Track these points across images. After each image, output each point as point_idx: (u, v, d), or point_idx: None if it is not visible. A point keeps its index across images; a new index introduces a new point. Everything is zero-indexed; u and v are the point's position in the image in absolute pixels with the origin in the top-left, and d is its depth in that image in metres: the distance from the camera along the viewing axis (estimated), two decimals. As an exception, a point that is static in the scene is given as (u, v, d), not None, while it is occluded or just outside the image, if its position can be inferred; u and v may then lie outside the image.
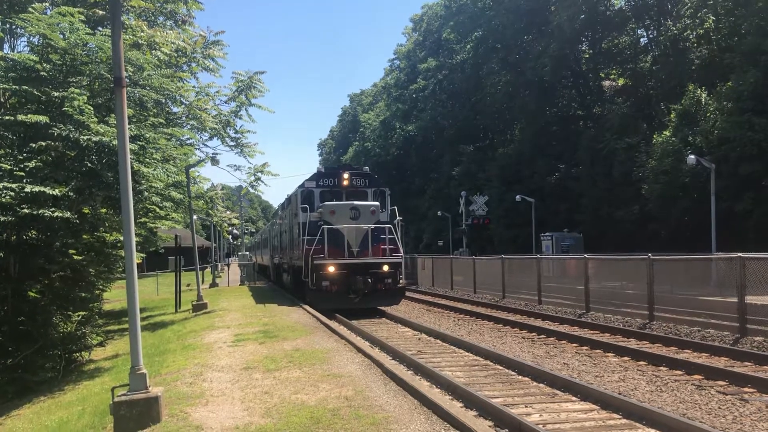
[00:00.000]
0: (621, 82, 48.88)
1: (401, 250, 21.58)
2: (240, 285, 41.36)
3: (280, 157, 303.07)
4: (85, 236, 17.30)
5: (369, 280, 20.00)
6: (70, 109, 14.59)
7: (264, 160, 26.08)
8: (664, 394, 9.27)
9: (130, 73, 16.00)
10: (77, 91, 14.70)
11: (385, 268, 20.47)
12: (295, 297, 23.68)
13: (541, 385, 9.86)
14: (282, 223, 29.18)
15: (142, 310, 26.10)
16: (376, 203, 21.61)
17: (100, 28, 17.35)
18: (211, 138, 23.47)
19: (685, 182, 31.20)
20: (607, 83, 50.84)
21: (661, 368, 11.17)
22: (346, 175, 22.26)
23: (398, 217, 22.35)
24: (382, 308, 21.08)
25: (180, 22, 21.73)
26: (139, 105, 17.06)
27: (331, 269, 19.91)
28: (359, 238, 20.40)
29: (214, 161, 25.12)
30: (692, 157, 27.51)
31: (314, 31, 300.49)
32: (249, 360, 11.59)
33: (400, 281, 21.13)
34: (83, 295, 17.99)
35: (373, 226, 20.66)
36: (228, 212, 32.26)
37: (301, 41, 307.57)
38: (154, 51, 17.85)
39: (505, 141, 59.54)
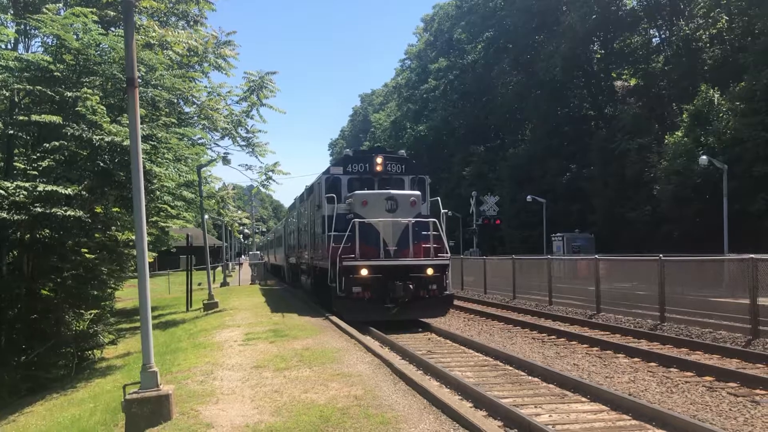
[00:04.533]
0: (633, 82, 48.62)
1: (448, 249, 18.09)
2: (251, 284, 41.54)
3: (291, 156, 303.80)
4: (97, 235, 17.44)
5: (410, 285, 16.67)
6: (83, 109, 14.73)
7: (275, 159, 26.45)
8: (674, 395, 9.23)
9: (143, 73, 16.13)
10: (90, 91, 14.84)
11: (429, 271, 17.03)
12: (317, 303, 20.96)
13: (551, 385, 9.84)
14: (300, 217, 25.80)
15: (153, 309, 26.23)
16: (417, 192, 18.12)
17: (112, 29, 17.51)
18: (222, 138, 23.60)
19: (698, 183, 31.01)
20: (618, 83, 50.59)
21: (672, 369, 11.12)
22: (379, 160, 18.92)
23: (443, 210, 18.81)
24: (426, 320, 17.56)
25: (192, 22, 21.88)
26: (152, 105, 17.19)
27: (364, 272, 16.52)
28: (397, 234, 17.10)
29: (226, 161, 25.28)
30: (704, 157, 27.39)
31: (325, 32, 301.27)
32: (259, 359, 11.64)
33: (447, 287, 17.63)
34: (95, 293, 18.16)
35: (413, 220, 17.31)
36: (239, 212, 32.43)
37: (312, 41, 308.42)
38: (165, 51, 17.99)
39: (516, 141, 59.35)
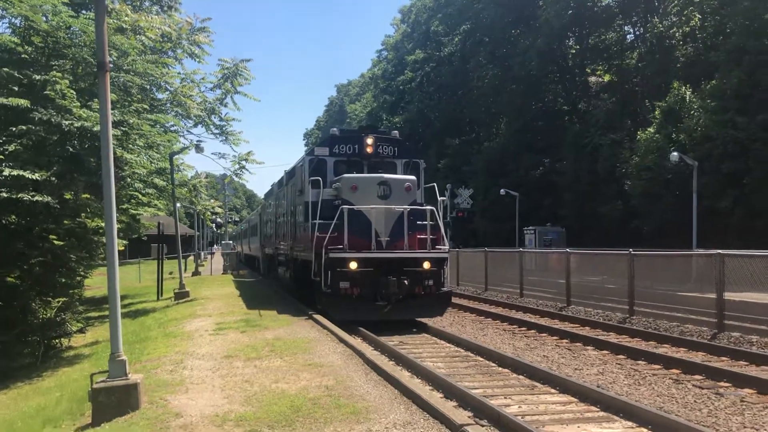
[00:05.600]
0: (607, 78, 49.07)
1: (446, 241, 16.54)
2: (223, 274, 41.27)
3: (265, 145, 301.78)
4: (66, 222, 17.14)
5: (405, 281, 14.88)
6: (52, 93, 14.45)
7: (249, 148, 25.98)
8: (642, 387, 9.37)
9: (114, 58, 15.86)
10: (59, 74, 14.56)
11: (426, 265, 15.32)
12: (297, 299, 19.31)
13: (520, 377, 9.93)
14: (279, 204, 23.76)
15: (123, 298, 25.96)
16: (413, 177, 16.38)
17: (83, 12, 17.17)
18: (195, 125, 23.27)
19: (668, 179, 31.48)
20: (593, 79, 51.03)
21: (640, 362, 11.28)
22: (369, 141, 17.05)
23: (440, 198, 16.78)
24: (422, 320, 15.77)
25: (166, 8, 21.56)
26: (123, 90, 16.92)
27: (353, 266, 14.71)
28: (390, 223, 15.35)
29: (199, 149, 25.00)
30: (675, 154, 27.81)
31: (302, 20, 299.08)
32: (230, 348, 11.57)
33: (445, 283, 16.08)
34: (63, 281, 17.84)
35: (409, 207, 15.53)
36: (212, 200, 32.08)
37: (288, 30, 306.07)
38: (138, 36, 17.69)
39: (491, 135, 59.61)
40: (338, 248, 14.79)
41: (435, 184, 17.62)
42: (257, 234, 35.17)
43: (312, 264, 15.55)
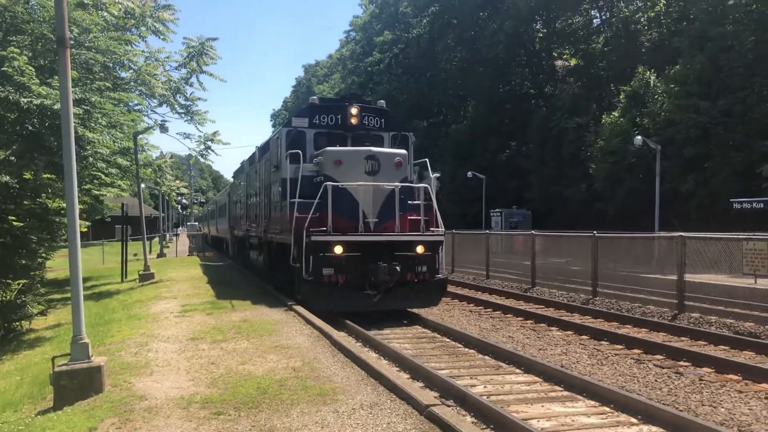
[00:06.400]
0: (573, 62, 49.51)
1: (441, 222, 14.72)
2: (189, 256, 40.85)
3: (232, 125, 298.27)
4: (26, 202, 16.76)
5: (396, 267, 13.44)
6: (9, 69, 14.03)
7: (215, 128, 25.57)
8: (604, 367, 9.55)
9: (76, 34, 15.45)
10: (17, 51, 14.13)
11: (419, 249, 13.88)
12: (272, 287, 17.61)
13: (486, 357, 10.04)
14: (250, 182, 21.87)
15: (87, 279, 25.55)
16: (403, 151, 14.92)
17: (43, -14, 16.65)
18: (160, 105, 22.86)
19: (632, 162, 31.99)
20: (559, 63, 51.45)
21: (603, 342, 11.49)
22: (354, 111, 15.36)
23: (432, 174, 15.43)
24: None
25: (129, -17, 21.03)
26: (85, 68, 16.52)
27: (338, 250, 13.24)
28: (379, 202, 13.78)
29: (163, 128, 24.62)
30: (639, 138, 28.24)
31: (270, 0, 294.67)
32: (196, 330, 11.47)
33: (440, 270, 14.58)
34: (24, 262, 17.48)
35: (400, 185, 13.97)
36: (177, 181, 31.62)
37: (256, 8, 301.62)
38: (100, 12, 17.25)
39: (458, 117, 59.78)
40: (321, 230, 13.28)
41: (427, 159, 16.05)
42: (225, 215, 33.40)
43: (290, 248, 13.85)
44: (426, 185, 14.68)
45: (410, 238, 13.91)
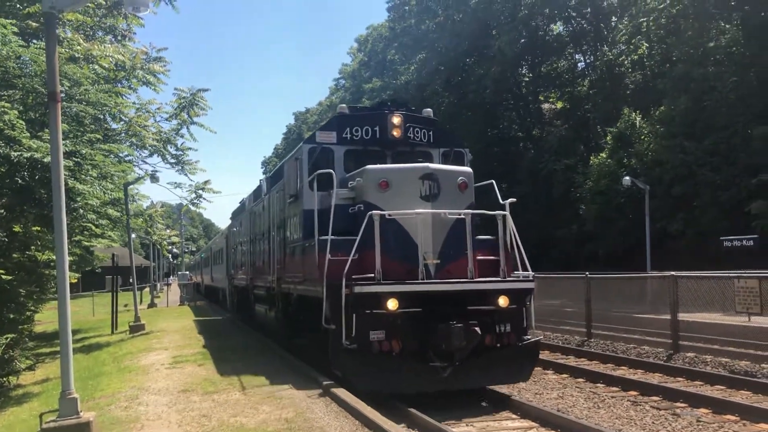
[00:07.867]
0: (560, 105, 50.22)
1: (527, 263, 10.82)
2: (180, 305, 40.48)
3: (222, 174, 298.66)
4: (15, 255, 16.63)
5: (475, 328, 9.69)
6: (0, 123, 14.08)
7: (206, 177, 25.46)
8: (601, 410, 9.45)
9: (67, 88, 15.56)
10: (8, 105, 14.21)
11: (502, 301, 10.13)
12: (292, 354, 13.76)
13: (481, 402, 9.92)
14: (255, 221, 18.54)
15: (76, 332, 25.21)
16: (468, 169, 11.47)
17: (34, 41, 16.86)
18: (151, 155, 22.92)
19: (621, 203, 32.20)
20: (546, 106, 52.15)
21: (599, 385, 11.40)
22: (396, 120, 11.91)
23: (502, 201, 11.31)
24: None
25: (120, 37, 21.33)
26: (76, 120, 16.58)
27: (392, 305, 9.43)
28: (440, 237, 10.19)
29: (154, 178, 24.65)
30: (627, 178, 28.50)
31: (260, 49, 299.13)
32: (187, 382, 11.31)
33: (529, 328, 10.76)
34: (12, 316, 17.25)
35: (468, 212, 10.43)
36: (168, 230, 31.56)
37: (246, 59, 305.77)
38: (91, 65, 17.45)
39: (448, 161, 60.23)
40: (366, 278, 9.65)
41: (493, 181, 12.24)
42: (222, 262, 29.49)
43: (317, 302, 10.34)
44: (504, 213, 10.91)
45: (491, 286, 10.30)
